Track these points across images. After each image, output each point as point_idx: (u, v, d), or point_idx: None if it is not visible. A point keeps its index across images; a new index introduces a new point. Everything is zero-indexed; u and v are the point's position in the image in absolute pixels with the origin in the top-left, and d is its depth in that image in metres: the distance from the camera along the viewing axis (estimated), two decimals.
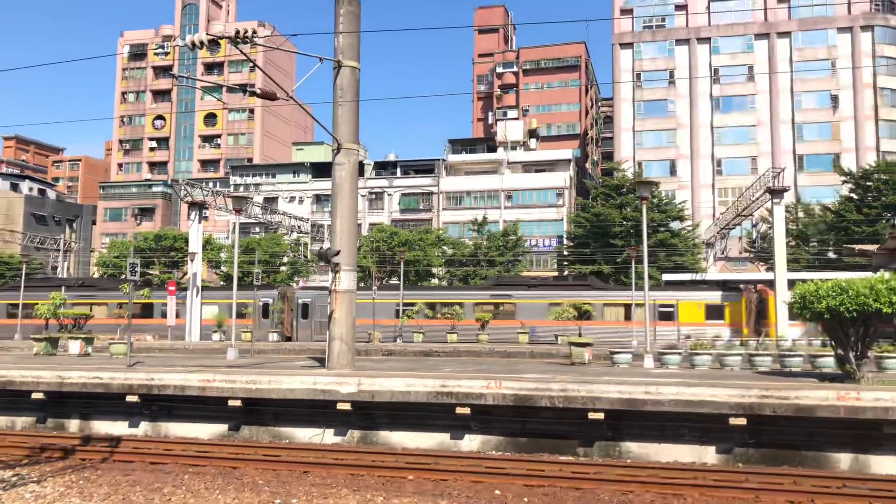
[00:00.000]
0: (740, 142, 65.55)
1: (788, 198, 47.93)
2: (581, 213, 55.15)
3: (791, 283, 31.97)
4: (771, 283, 36.56)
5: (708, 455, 12.14)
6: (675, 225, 53.25)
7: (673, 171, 66.49)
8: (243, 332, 36.22)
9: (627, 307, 37.63)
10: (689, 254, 51.01)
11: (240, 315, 36.90)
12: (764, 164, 61.36)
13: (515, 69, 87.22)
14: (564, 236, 60.91)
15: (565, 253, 57.45)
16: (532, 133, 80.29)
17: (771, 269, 40.46)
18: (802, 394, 11.60)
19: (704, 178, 65.62)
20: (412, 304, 40.40)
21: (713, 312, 37.40)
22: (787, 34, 65.65)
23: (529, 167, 70.24)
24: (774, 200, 36.23)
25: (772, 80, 64.84)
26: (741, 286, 39.45)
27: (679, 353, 20.58)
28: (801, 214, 54.08)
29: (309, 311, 41.43)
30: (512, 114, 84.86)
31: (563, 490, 10.14)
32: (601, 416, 12.15)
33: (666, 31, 68.62)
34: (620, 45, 69.24)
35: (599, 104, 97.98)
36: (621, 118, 68.88)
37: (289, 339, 40.43)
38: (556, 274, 61.32)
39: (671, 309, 38.11)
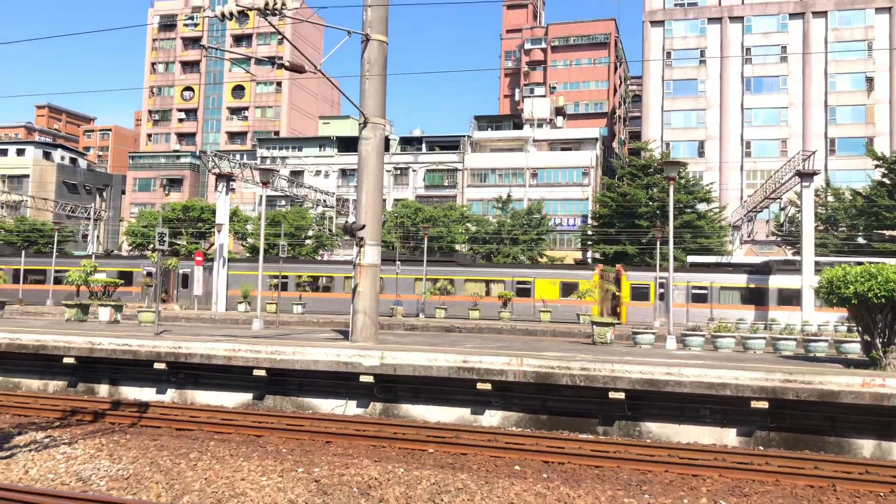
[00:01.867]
0: (770, 124, 64.46)
1: (818, 181, 47.15)
2: (607, 193, 54.74)
3: (818, 268, 31.69)
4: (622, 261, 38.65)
5: (728, 437, 12.14)
6: (701, 207, 52.69)
7: (701, 153, 65.65)
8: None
9: (488, 283, 41.23)
10: (716, 236, 50.49)
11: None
12: (794, 146, 60.38)
13: (544, 45, 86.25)
14: (589, 216, 60.57)
15: (589, 233, 57.14)
16: (559, 111, 79.57)
17: (798, 252, 39.98)
18: (826, 379, 11.52)
19: (733, 159, 64.72)
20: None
21: (567, 289, 39.27)
22: (822, 13, 64.14)
23: (555, 145, 69.73)
24: (804, 184, 35.68)
25: (805, 60, 63.50)
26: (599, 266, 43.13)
27: (702, 336, 20.49)
28: (830, 199, 53.18)
29: (189, 280, 42.55)
30: (539, 91, 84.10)
31: (583, 468, 10.22)
32: (622, 395, 12.19)
33: (698, 9, 67.35)
34: (651, 22, 68.14)
35: (628, 82, 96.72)
36: (650, 97, 67.99)
37: (164, 301, 41.67)
38: (579, 254, 61.13)
39: (528, 286, 40.37)
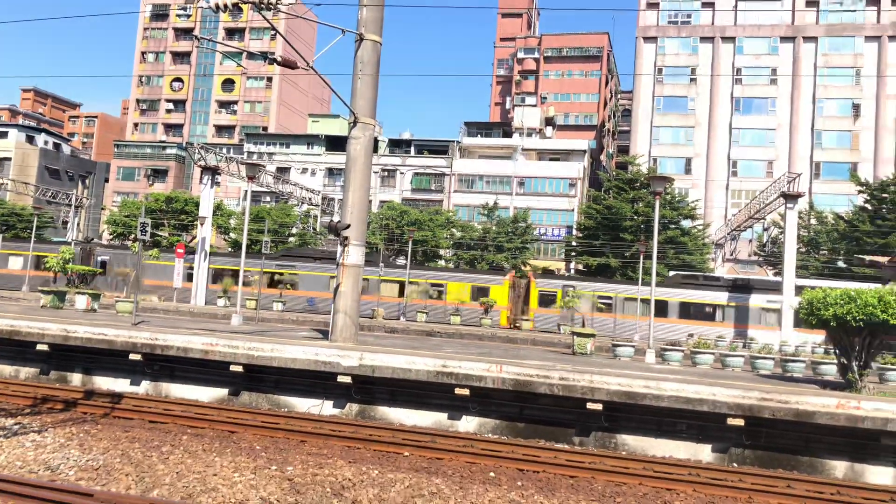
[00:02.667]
0: (758, 144, 65.07)
1: (802, 204, 47.67)
2: (593, 205, 54.94)
3: (799, 290, 32.02)
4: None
5: (703, 453, 12.17)
6: (686, 223, 53.03)
7: (688, 169, 66.11)
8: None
9: (402, 284, 41.71)
10: (698, 253, 50.82)
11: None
12: (780, 168, 60.99)
13: (537, 55, 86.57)
14: (574, 227, 60.75)
15: (574, 244, 57.32)
16: (549, 121, 79.82)
17: (779, 273, 40.35)
18: (803, 399, 11.59)
19: (719, 178, 65.24)
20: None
21: (477, 293, 40.58)
22: (813, 39, 64.94)
23: (544, 155, 69.91)
24: (788, 205, 36.04)
25: (794, 83, 64.22)
26: (512, 271, 45.13)
27: (681, 351, 20.58)
28: (813, 221, 53.76)
29: (106, 267, 42.90)
30: (530, 100, 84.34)
31: (558, 477, 10.20)
32: (599, 406, 12.19)
33: (691, 28, 67.93)
34: (644, 38, 68.63)
35: (619, 96, 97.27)
36: (640, 112, 68.42)
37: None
38: (562, 264, 61.30)
39: (441, 289, 41.82)
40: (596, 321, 38.50)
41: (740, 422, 11.62)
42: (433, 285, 41.63)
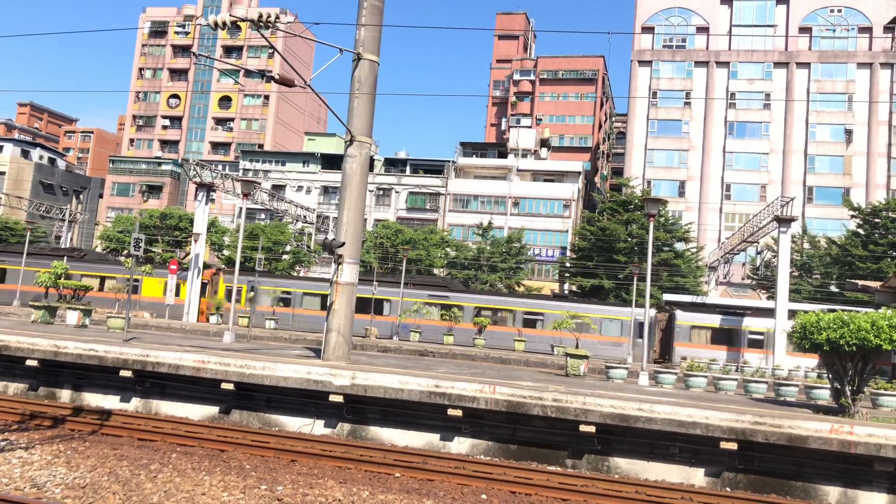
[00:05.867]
0: (751, 168, 65.48)
1: (795, 228, 47.91)
2: (587, 226, 55.08)
3: (792, 314, 32.07)
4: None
5: (696, 477, 12.10)
6: (679, 246, 53.18)
7: (682, 192, 66.42)
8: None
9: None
10: (692, 276, 50.91)
11: None
12: (773, 192, 61.36)
13: (532, 77, 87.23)
14: (568, 248, 60.85)
15: (568, 265, 57.38)
16: (544, 142, 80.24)
17: (772, 297, 40.39)
18: (796, 423, 11.56)
19: (713, 201, 65.56)
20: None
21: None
22: (806, 65, 65.65)
23: (539, 176, 70.20)
24: (781, 229, 36.15)
25: (787, 108, 64.82)
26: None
27: (674, 374, 20.54)
28: (806, 245, 53.98)
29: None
30: (525, 121, 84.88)
31: (549, 500, 10.12)
32: (592, 429, 12.13)
33: (686, 52, 68.58)
34: (639, 62, 69.23)
35: (613, 119, 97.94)
36: (634, 135, 68.84)
37: None
38: (556, 285, 61.31)
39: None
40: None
41: (733, 445, 11.57)
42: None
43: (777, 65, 66.28)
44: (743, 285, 57.00)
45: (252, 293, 37.88)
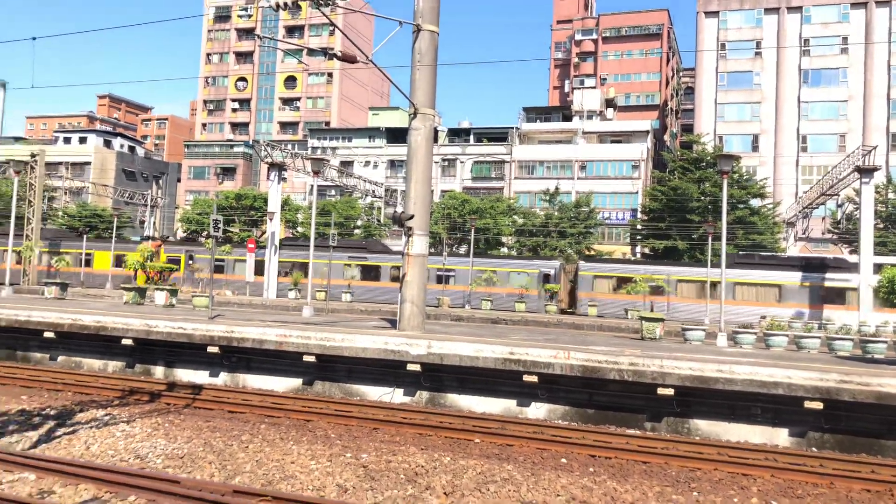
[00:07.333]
0: (828, 117, 62.50)
1: (878, 177, 45.58)
2: (657, 187, 53.86)
3: (878, 268, 30.82)
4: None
5: (780, 437, 11.91)
6: (755, 202, 51.45)
7: (755, 147, 64.08)
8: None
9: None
10: (769, 232, 49.27)
11: None
12: (853, 141, 58.43)
13: (595, 36, 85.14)
14: (639, 210, 59.72)
15: (639, 227, 56.36)
16: (609, 102, 78.51)
17: (855, 251, 38.79)
18: (885, 381, 11.20)
19: (788, 154, 62.98)
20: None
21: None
22: (886, 3, 61.77)
23: (605, 137, 68.88)
24: (863, 180, 34.55)
25: (867, 51, 61.32)
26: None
27: (754, 333, 20.08)
28: (891, 195, 51.35)
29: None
30: (589, 82, 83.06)
31: (630, 463, 10.16)
32: (671, 391, 12.05)
33: None
34: (705, 13, 66.64)
35: (681, 74, 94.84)
36: (703, 89, 66.56)
37: None
38: (628, 248, 60.38)
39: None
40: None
41: (818, 405, 11.31)
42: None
43: (854, 5, 62.63)
44: (824, 240, 54.81)
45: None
